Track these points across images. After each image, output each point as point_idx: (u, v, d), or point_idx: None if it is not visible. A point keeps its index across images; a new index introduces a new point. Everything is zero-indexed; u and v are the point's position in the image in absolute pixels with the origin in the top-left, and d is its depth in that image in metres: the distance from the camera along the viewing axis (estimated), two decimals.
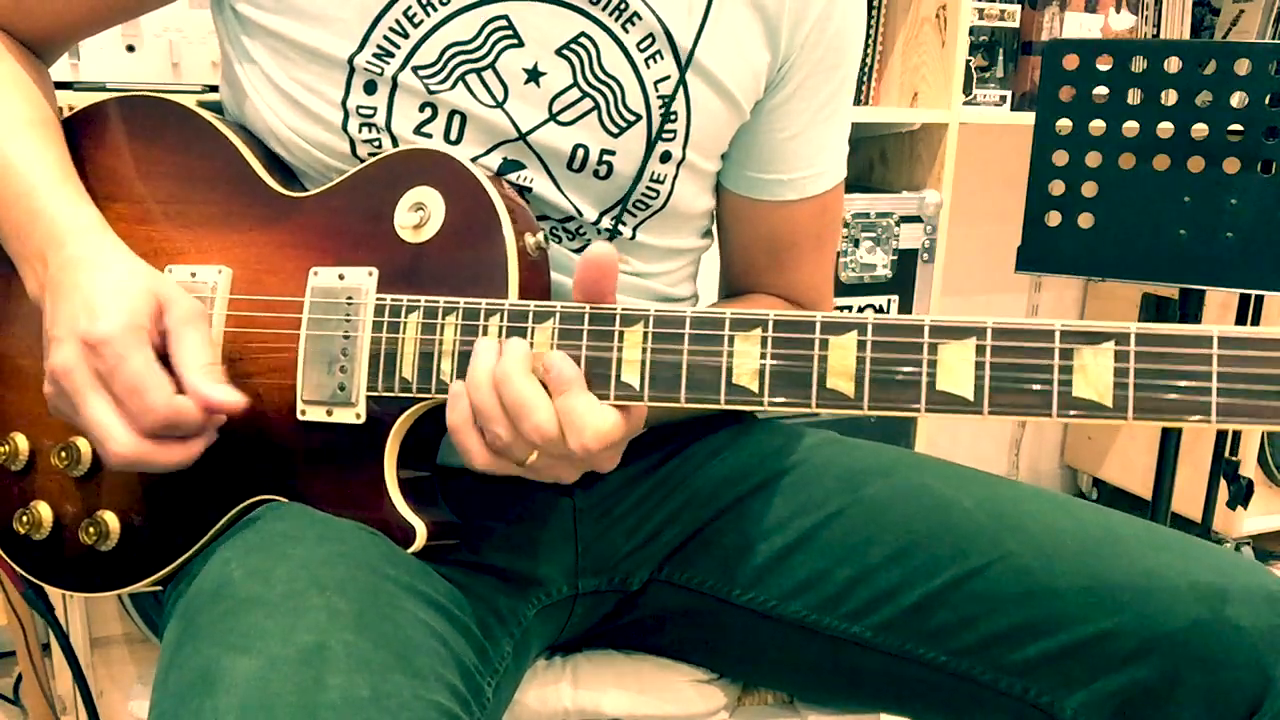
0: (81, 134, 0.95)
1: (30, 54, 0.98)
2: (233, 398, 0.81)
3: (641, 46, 0.93)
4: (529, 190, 0.93)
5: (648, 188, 0.97)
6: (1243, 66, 1.60)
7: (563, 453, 0.78)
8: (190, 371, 0.80)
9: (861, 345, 0.74)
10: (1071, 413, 0.70)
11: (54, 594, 0.98)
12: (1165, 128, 1.66)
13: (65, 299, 0.81)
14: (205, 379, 0.80)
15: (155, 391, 0.78)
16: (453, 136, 0.92)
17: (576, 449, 0.76)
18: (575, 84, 0.92)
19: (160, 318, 0.81)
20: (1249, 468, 2.65)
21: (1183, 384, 0.68)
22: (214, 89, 1.61)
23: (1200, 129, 1.64)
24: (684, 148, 0.97)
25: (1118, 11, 2.53)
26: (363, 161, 0.90)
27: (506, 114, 0.92)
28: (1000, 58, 2.43)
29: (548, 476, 0.81)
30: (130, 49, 1.64)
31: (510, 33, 0.90)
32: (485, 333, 0.81)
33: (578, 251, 0.97)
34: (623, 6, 0.91)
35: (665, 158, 0.97)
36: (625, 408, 0.79)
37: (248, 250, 0.89)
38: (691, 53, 0.93)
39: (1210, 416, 0.67)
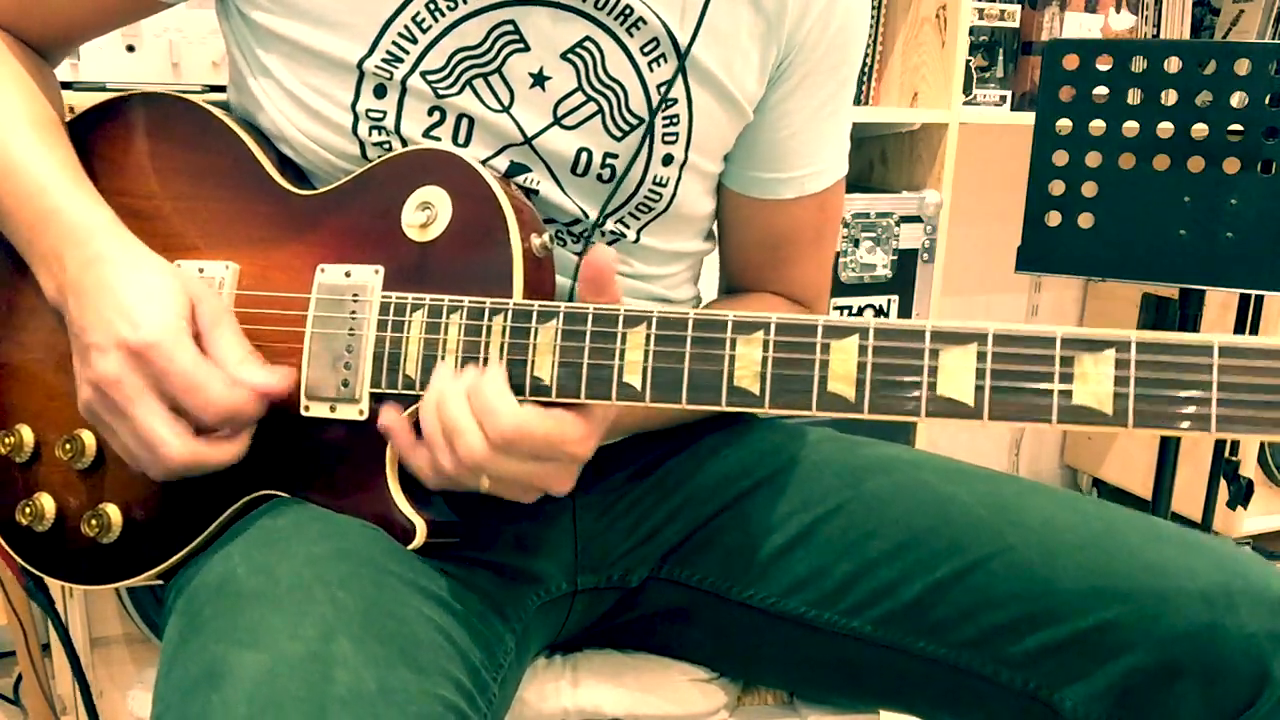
0: (93, 129, 0.96)
1: (35, 55, 0.98)
2: (283, 380, 0.83)
3: (645, 50, 0.93)
4: (535, 193, 0.94)
5: (651, 190, 0.98)
6: (1243, 66, 1.61)
7: (505, 475, 0.79)
8: (233, 367, 0.81)
9: (863, 350, 0.74)
10: (1071, 420, 0.70)
11: (54, 592, 0.98)
12: (1165, 128, 1.66)
13: (95, 303, 0.81)
14: (251, 369, 0.82)
15: (212, 385, 0.79)
16: (460, 139, 0.92)
17: (496, 439, 0.76)
18: (580, 88, 0.93)
19: (194, 317, 0.82)
20: (1249, 468, 2.65)
21: (1183, 393, 0.68)
22: (214, 89, 1.62)
23: (1200, 129, 1.65)
24: (686, 150, 0.98)
25: (1118, 11, 2.53)
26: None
27: (512, 118, 0.92)
28: (1000, 58, 2.43)
29: (508, 497, 0.82)
30: (130, 49, 1.63)
31: (516, 38, 0.90)
32: (489, 333, 0.81)
33: (581, 254, 0.97)
34: (627, 11, 0.91)
35: (668, 160, 0.97)
36: (580, 410, 0.79)
37: (255, 246, 0.90)
38: (688, 51, 0.94)
39: (1210, 426, 0.67)
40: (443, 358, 0.82)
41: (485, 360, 0.81)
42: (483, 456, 0.77)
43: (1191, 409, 0.68)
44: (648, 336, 0.78)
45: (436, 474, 0.81)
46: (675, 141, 0.97)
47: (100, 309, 0.81)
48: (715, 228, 1.11)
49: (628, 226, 0.99)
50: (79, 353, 0.83)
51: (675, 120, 0.96)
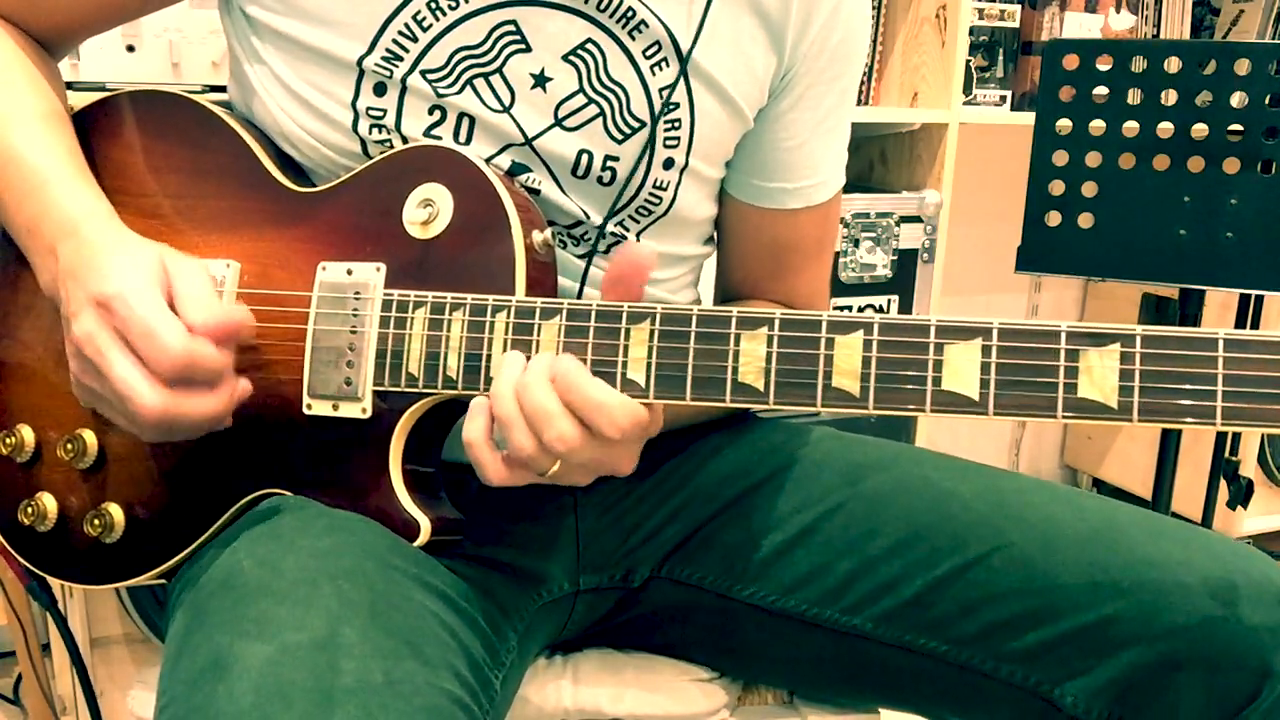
0: (94, 127, 0.96)
1: (39, 48, 0.98)
2: (242, 313, 0.82)
3: (647, 53, 0.93)
4: (537, 193, 0.94)
5: (651, 193, 0.98)
6: (1243, 66, 1.61)
7: (582, 460, 0.78)
8: (191, 312, 0.79)
9: (867, 345, 0.74)
10: (1076, 414, 0.70)
11: (54, 592, 0.98)
12: (1165, 128, 1.66)
13: (77, 279, 0.81)
14: (206, 310, 0.79)
15: (168, 332, 0.77)
16: (461, 139, 0.92)
17: (612, 434, 0.76)
18: (581, 90, 0.93)
19: (168, 281, 0.81)
20: (1249, 468, 2.65)
21: (1188, 386, 0.68)
22: (214, 89, 1.61)
23: (1200, 129, 1.65)
24: (687, 154, 0.98)
25: (1118, 11, 2.53)
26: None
27: (513, 119, 0.92)
28: (1000, 58, 2.43)
29: (564, 482, 0.81)
30: (130, 49, 1.63)
31: (518, 38, 0.90)
32: (492, 329, 0.81)
33: (582, 257, 0.97)
34: (629, 14, 0.91)
35: (669, 164, 0.97)
36: (646, 404, 0.79)
37: (256, 245, 0.90)
38: (689, 54, 0.94)
39: (1215, 419, 0.68)
40: (445, 356, 0.82)
41: (488, 356, 0.81)
42: (575, 444, 0.77)
43: (1197, 402, 0.68)
44: (651, 333, 0.78)
45: (509, 464, 0.80)
46: (676, 145, 0.97)
47: (80, 281, 0.81)
48: (715, 233, 1.11)
49: (628, 229, 0.99)
50: (66, 333, 0.82)
51: (677, 124, 0.96)
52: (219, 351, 0.79)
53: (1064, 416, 0.70)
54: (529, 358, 0.80)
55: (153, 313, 0.78)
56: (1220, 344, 0.68)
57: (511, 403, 0.78)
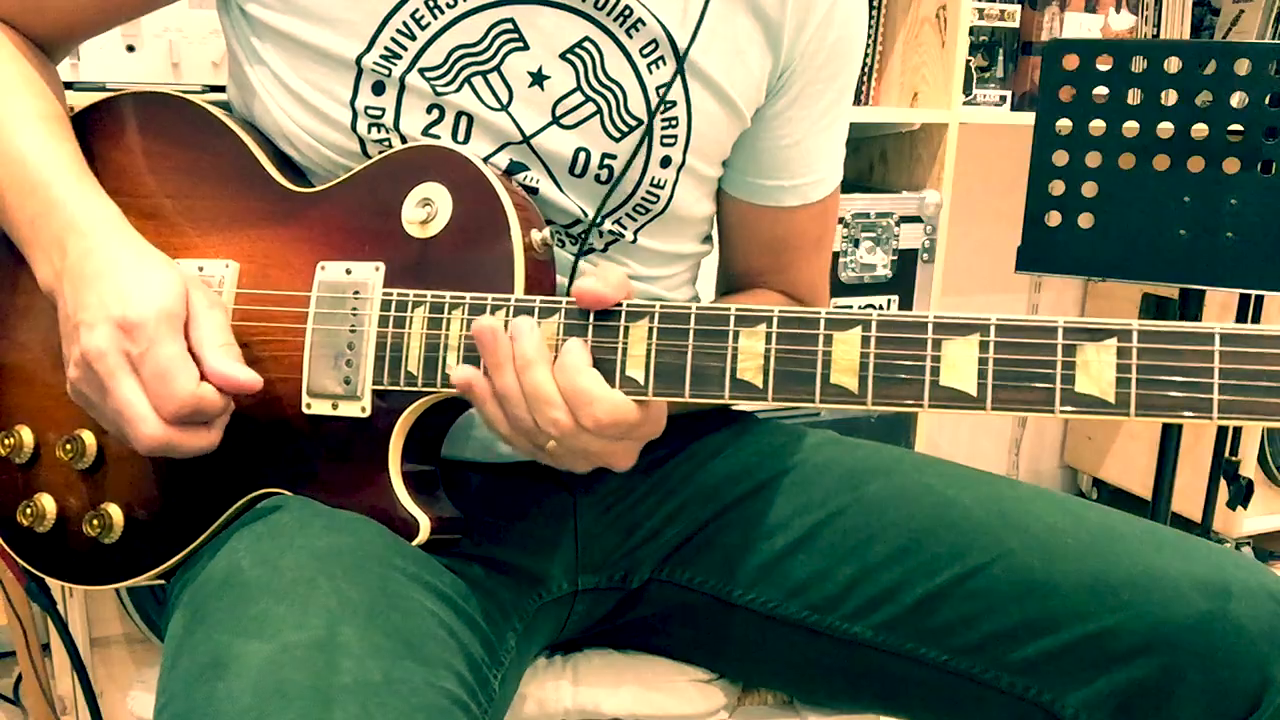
0: (93, 128, 0.96)
1: (39, 51, 0.98)
2: (250, 377, 0.82)
3: (644, 52, 0.93)
4: (535, 192, 0.94)
5: (648, 192, 0.98)
6: (1243, 66, 1.61)
7: (579, 447, 0.79)
8: (209, 349, 0.81)
9: (865, 341, 0.74)
10: (1074, 409, 0.70)
11: (54, 593, 0.98)
12: (1165, 128, 1.66)
13: (92, 285, 0.81)
14: (224, 357, 0.81)
15: (182, 378, 0.79)
16: (460, 137, 0.92)
17: (590, 425, 0.77)
18: (578, 88, 0.93)
19: (188, 313, 0.82)
20: (1249, 468, 2.64)
21: (1184, 380, 0.68)
22: (214, 89, 1.62)
23: (1200, 129, 1.65)
24: (684, 153, 0.98)
25: (1118, 11, 2.53)
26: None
27: (511, 117, 0.92)
28: (1000, 58, 2.43)
29: (563, 465, 0.82)
30: (130, 49, 1.63)
31: (516, 36, 0.91)
32: None
33: (580, 256, 0.97)
34: (627, 12, 0.91)
35: (665, 162, 0.97)
36: (642, 403, 0.79)
37: (255, 245, 0.90)
38: (687, 54, 0.94)
39: (1212, 413, 0.68)
40: (444, 354, 0.82)
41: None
42: (566, 430, 0.78)
43: (1194, 396, 0.68)
44: (650, 330, 0.78)
45: (513, 427, 0.81)
46: (674, 144, 0.97)
47: (97, 290, 0.81)
48: (715, 231, 1.11)
49: (625, 227, 0.99)
50: (68, 335, 0.83)
51: (674, 123, 0.96)
52: (222, 398, 0.81)
53: (1061, 411, 0.70)
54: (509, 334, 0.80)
55: (172, 354, 0.79)
56: (1216, 338, 0.68)
57: (513, 380, 0.79)
